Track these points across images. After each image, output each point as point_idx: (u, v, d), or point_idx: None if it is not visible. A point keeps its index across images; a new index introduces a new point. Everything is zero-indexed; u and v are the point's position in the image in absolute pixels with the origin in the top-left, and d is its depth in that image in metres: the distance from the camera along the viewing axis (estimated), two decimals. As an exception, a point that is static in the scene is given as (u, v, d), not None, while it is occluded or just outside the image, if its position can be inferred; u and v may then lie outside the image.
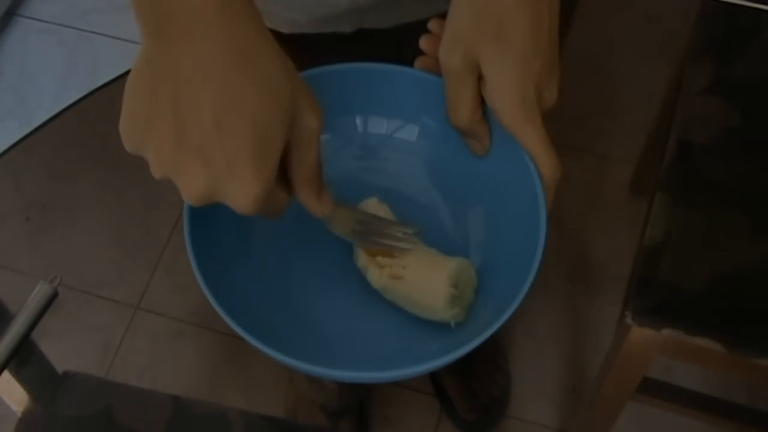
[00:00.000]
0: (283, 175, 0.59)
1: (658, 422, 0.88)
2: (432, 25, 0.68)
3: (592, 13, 1.04)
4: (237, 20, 0.52)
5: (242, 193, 0.53)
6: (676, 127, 0.92)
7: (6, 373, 0.78)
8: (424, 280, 0.70)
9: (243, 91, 0.52)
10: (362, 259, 0.72)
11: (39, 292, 0.79)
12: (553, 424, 0.84)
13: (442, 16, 0.69)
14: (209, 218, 0.68)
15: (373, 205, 0.76)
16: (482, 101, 0.68)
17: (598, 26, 1.04)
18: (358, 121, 0.77)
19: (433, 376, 1.06)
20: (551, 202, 0.67)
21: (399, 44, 0.72)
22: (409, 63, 0.73)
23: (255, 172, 0.53)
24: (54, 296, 0.80)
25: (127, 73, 0.87)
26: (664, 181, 0.89)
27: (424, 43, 0.68)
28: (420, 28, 0.69)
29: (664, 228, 0.86)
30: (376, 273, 0.72)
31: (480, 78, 0.65)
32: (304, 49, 0.70)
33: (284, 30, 0.79)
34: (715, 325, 0.83)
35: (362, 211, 0.72)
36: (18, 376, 0.82)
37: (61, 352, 0.84)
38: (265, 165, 0.54)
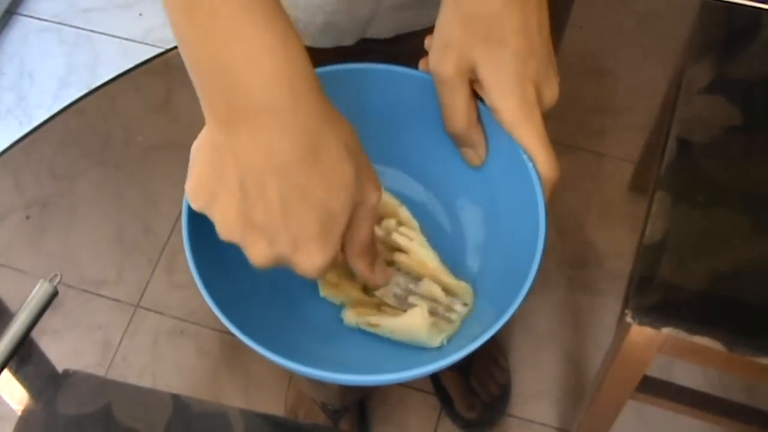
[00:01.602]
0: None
1: (658, 421, 0.88)
2: (428, 40, 0.68)
3: (593, 12, 1.04)
4: (309, 113, 0.53)
5: (307, 265, 0.56)
6: (676, 126, 0.92)
7: (6, 372, 0.78)
8: (401, 323, 0.70)
9: (310, 181, 0.54)
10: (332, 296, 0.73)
11: (39, 290, 0.79)
12: (553, 422, 0.84)
13: None
14: (209, 222, 0.68)
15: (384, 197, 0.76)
16: (476, 108, 0.68)
17: (599, 25, 1.04)
18: (357, 121, 0.76)
19: (434, 375, 1.06)
20: (549, 200, 0.67)
21: (399, 54, 0.72)
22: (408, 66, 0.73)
23: (320, 249, 0.56)
24: (54, 295, 0.80)
25: (127, 72, 0.87)
26: (664, 179, 0.89)
27: (429, 42, 0.68)
28: (420, 37, 0.69)
29: (664, 227, 0.86)
30: (351, 317, 0.72)
31: (475, 82, 0.65)
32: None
33: None
34: (714, 324, 0.83)
35: (407, 277, 0.73)
36: (18, 374, 0.82)
37: (61, 351, 0.84)
38: (330, 243, 0.56)
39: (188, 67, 0.52)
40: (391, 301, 0.72)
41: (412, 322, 0.69)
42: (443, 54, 0.65)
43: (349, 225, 0.58)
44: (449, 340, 0.70)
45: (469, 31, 0.64)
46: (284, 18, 0.51)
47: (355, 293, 0.73)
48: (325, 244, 0.56)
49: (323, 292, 0.72)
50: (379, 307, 0.72)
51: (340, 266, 0.71)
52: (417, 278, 0.74)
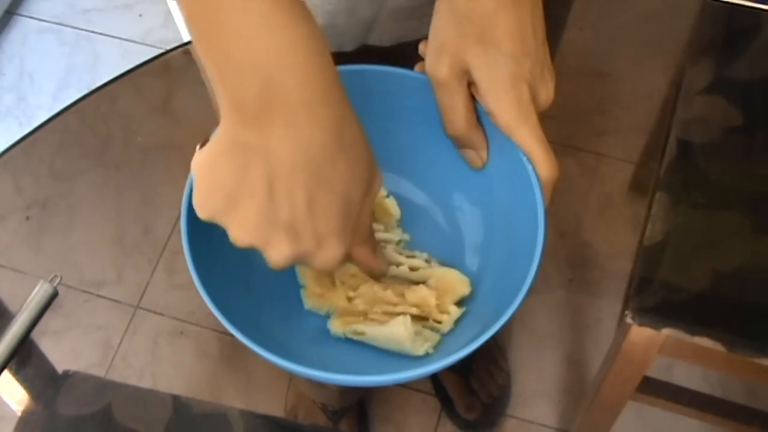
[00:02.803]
0: None
1: (658, 421, 0.88)
2: (422, 45, 0.68)
3: (592, 13, 1.04)
4: (335, 105, 0.54)
5: (328, 258, 0.57)
6: (676, 127, 0.92)
7: (6, 373, 0.78)
8: (385, 332, 0.71)
9: (336, 173, 0.54)
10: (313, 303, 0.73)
11: (39, 291, 0.79)
12: (553, 423, 0.84)
13: None
14: (209, 226, 0.68)
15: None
16: (475, 109, 0.68)
17: (598, 25, 1.04)
18: None
19: (433, 375, 1.06)
20: (548, 201, 0.67)
21: (400, 62, 0.72)
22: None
23: (340, 241, 0.57)
24: (54, 296, 0.80)
25: (127, 73, 0.87)
26: (664, 180, 0.89)
27: (423, 47, 0.68)
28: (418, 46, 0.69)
29: (664, 227, 0.86)
30: (338, 326, 0.72)
31: (471, 84, 0.65)
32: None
33: None
34: (715, 325, 0.83)
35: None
36: (18, 375, 0.82)
37: (61, 352, 0.84)
38: (348, 233, 0.57)
39: (208, 65, 0.52)
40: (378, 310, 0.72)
41: (396, 332, 0.69)
42: (438, 57, 0.65)
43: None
44: (436, 348, 0.71)
45: (463, 33, 0.64)
46: (309, 14, 0.51)
47: (341, 302, 0.73)
48: (344, 235, 0.57)
49: (308, 304, 0.72)
50: (365, 315, 0.72)
51: (324, 275, 0.71)
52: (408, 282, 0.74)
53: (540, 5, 0.64)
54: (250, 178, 0.53)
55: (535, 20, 0.64)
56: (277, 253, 0.56)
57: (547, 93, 0.65)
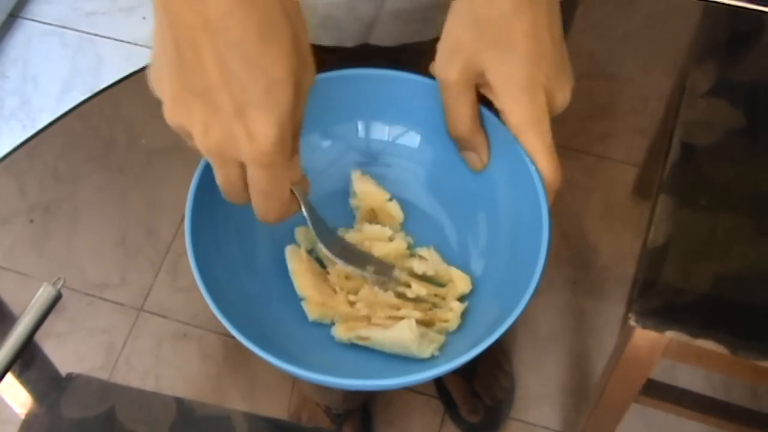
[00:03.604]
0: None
1: (661, 424, 0.88)
2: (431, 66, 0.68)
3: (596, 16, 1.04)
4: None
5: (257, 136, 0.52)
6: (679, 130, 0.92)
7: (9, 376, 0.78)
8: (390, 336, 0.70)
9: (250, 41, 0.50)
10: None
11: (42, 294, 0.80)
12: (556, 426, 0.84)
13: None
14: (211, 230, 0.68)
15: (357, 178, 0.76)
16: (479, 112, 0.68)
17: (601, 28, 1.04)
18: (360, 127, 0.77)
19: (437, 378, 1.06)
20: (551, 206, 0.67)
21: (402, 63, 0.72)
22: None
23: (267, 116, 0.52)
24: (57, 298, 0.80)
25: (130, 76, 0.87)
26: (668, 183, 0.89)
27: (431, 67, 0.68)
28: (422, 49, 0.69)
29: (668, 230, 0.86)
30: (342, 332, 0.72)
31: (483, 86, 0.65)
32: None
33: None
34: (718, 328, 0.83)
35: (352, 244, 0.73)
36: (21, 378, 0.82)
37: (65, 355, 0.84)
38: (276, 108, 0.52)
39: None
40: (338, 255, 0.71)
41: (401, 335, 0.69)
42: (450, 59, 0.65)
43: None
44: (441, 349, 0.71)
45: (478, 36, 0.63)
46: None
47: (343, 308, 0.73)
48: (272, 112, 0.52)
49: (311, 316, 0.72)
50: (369, 320, 0.72)
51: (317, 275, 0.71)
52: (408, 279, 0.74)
53: (557, 7, 0.64)
54: (164, 46, 0.51)
55: (552, 22, 0.63)
56: (200, 129, 0.53)
57: (563, 96, 0.65)
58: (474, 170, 0.73)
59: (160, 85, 0.53)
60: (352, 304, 0.73)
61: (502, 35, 0.62)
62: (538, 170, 0.66)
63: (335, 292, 0.74)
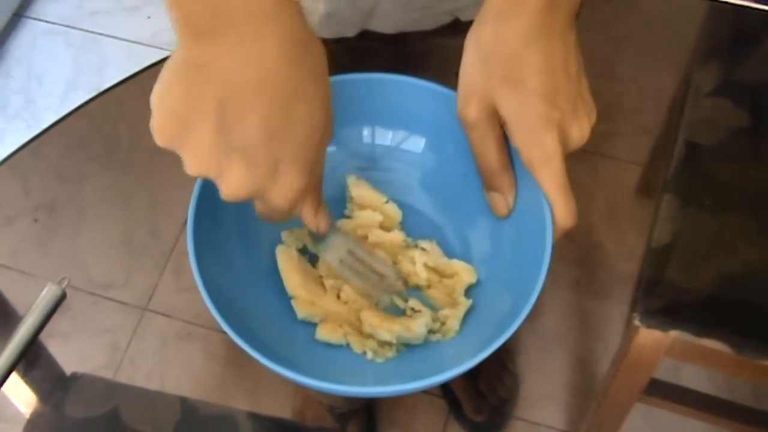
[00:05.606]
0: None
1: (665, 423, 0.88)
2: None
3: (600, 15, 1.04)
4: (289, 20, 0.51)
5: (284, 190, 0.54)
6: (683, 129, 0.92)
7: (14, 375, 0.78)
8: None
9: (293, 95, 0.51)
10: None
11: (47, 293, 0.80)
12: (560, 425, 0.84)
13: (446, 26, 0.68)
14: (213, 231, 0.68)
15: (353, 183, 0.76)
16: (508, 150, 0.67)
17: (605, 28, 1.04)
18: (365, 131, 0.77)
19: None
20: (556, 239, 0.66)
21: (402, 52, 0.72)
22: (410, 70, 0.73)
23: (299, 172, 0.53)
24: (62, 298, 0.80)
25: (135, 75, 0.87)
26: (672, 182, 0.89)
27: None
28: (421, 38, 0.68)
29: (672, 230, 0.86)
30: (325, 331, 0.72)
31: (503, 123, 0.64)
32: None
33: None
34: (722, 327, 0.83)
35: (358, 243, 0.72)
36: (26, 377, 0.82)
37: (69, 354, 0.84)
38: (307, 165, 0.54)
39: None
40: (337, 266, 0.71)
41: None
42: (467, 98, 0.64)
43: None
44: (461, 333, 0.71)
45: (490, 72, 0.61)
46: None
47: (332, 305, 0.73)
48: (303, 167, 0.54)
49: (301, 314, 0.72)
50: (358, 314, 0.72)
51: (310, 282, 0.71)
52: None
53: (572, 38, 0.62)
54: (201, 101, 0.51)
55: (568, 54, 0.61)
56: (231, 182, 0.53)
57: (580, 132, 0.63)
58: (497, 215, 0.71)
59: (182, 139, 0.53)
60: (339, 298, 0.73)
61: (513, 71, 0.61)
62: (550, 209, 0.65)
63: (325, 291, 0.74)
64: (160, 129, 0.53)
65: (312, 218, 0.64)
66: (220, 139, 0.51)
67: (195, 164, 0.54)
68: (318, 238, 0.69)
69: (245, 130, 0.51)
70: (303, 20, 0.52)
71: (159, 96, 0.53)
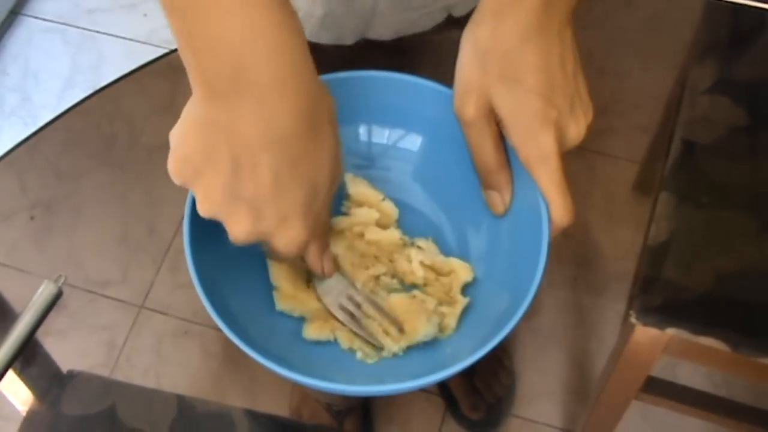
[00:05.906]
0: None
1: (662, 421, 0.88)
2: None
3: (597, 13, 1.04)
4: (307, 80, 0.53)
5: (289, 241, 0.56)
6: (680, 127, 0.92)
7: (10, 373, 0.78)
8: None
9: (304, 155, 0.53)
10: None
11: (44, 291, 0.80)
12: (557, 423, 0.84)
13: (442, 25, 0.68)
14: (209, 230, 0.68)
15: (350, 180, 0.76)
16: (505, 148, 0.67)
17: (602, 25, 1.04)
18: (361, 129, 0.76)
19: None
20: (552, 236, 0.66)
21: (400, 57, 0.72)
22: (407, 68, 0.73)
23: (303, 225, 0.56)
24: (59, 295, 0.80)
25: (131, 73, 0.87)
26: (669, 180, 0.89)
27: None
28: (420, 40, 0.68)
29: (669, 227, 0.86)
30: (311, 331, 0.72)
31: (499, 121, 0.64)
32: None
33: None
34: (719, 325, 0.83)
35: (357, 289, 0.72)
36: (23, 375, 0.82)
37: (66, 352, 0.84)
38: (311, 218, 0.56)
39: (180, 41, 0.51)
40: (334, 310, 0.71)
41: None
42: (464, 97, 0.64)
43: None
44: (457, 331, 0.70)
45: (486, 70, 0.62)
46: None
47: (314, 304, 0.72)
48: (308, 219, 0.56)
49: (280, 305, 0.72)
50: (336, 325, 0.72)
51: (296, 274, 0.71)
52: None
53: (569, 35, 0.62)
54: (215, 152, 0.52)
55: (564, 52, 0.61)
56: (238, 229, 0.55)
57: (577, 129, 0.63)
58: (494, 213, 0.71)
59: (195, 183, 0.55)
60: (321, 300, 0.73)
61: (510, 69, 0.61)
62: (547, 208, 0.65)
63: (308, 287, 0.73)
64: (176, 172, 0.56)
65: (317, 262, 0.65)
66: (230, 189, 0.54)
67: (205, 207, 0.56)
68: (319, 278, 0.69)
69: (256, 185, 0.53)
70: (316, 76, 0.54)
71: (177, 139, 0.55)
